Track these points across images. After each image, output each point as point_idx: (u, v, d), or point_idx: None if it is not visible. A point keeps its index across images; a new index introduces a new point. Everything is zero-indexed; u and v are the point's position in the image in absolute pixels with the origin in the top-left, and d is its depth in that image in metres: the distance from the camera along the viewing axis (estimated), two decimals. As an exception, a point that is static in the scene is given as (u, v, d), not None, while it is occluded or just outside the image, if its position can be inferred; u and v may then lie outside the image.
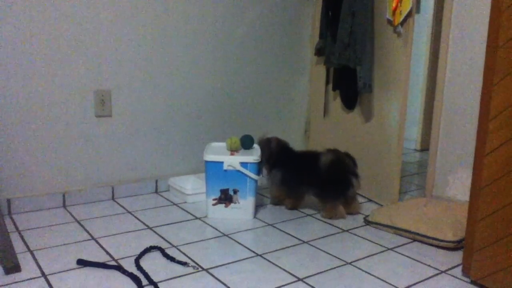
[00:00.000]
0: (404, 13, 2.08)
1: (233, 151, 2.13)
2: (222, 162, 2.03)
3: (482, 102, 1.48)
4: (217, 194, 2.07)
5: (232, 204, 2.08)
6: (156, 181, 2.43)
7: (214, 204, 2.08)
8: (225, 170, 2.03)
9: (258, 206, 2.23)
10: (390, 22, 2.19)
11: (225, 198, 2.07)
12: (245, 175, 2.04)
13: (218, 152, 2.09)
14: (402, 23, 2.12)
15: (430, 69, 3.56)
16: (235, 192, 2.07)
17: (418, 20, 3.45)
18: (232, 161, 2.03)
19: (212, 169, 2.04)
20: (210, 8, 2.44)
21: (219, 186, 2.06)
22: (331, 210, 2.12)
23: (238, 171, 2.03)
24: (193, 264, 1.64)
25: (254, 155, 2.06)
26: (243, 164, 2.03)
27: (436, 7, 3.47)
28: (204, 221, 2.05)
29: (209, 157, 2.03)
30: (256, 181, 2.06)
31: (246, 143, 2.17)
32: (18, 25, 1.97)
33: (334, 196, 2.12)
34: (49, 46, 2.05)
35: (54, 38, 2.05)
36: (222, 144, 2.23)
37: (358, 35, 2.23)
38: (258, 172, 2.07)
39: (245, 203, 2.08)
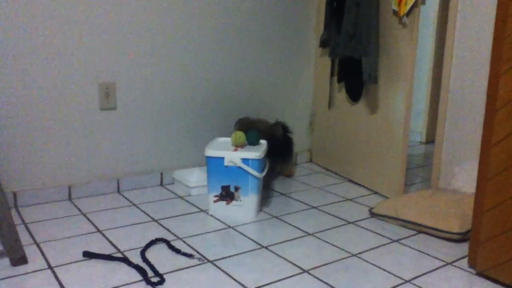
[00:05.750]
0: (410, 3, 2.06)
1: (237, 146, 2.06)
2: (223, 158, 1.97)
3: (489, 93, 1.47)
4: (219, 191, 2.01)
5: (233, 202, 2.01)
6: (161, 174, 2.43)
7: (215, 201, 2.03)
8: (226, 166, 1.98)
9: (263, 198, 2.23)
10: (395, 12, 2.17)
11: (226, 195, 2.01)
12: (247, 172, 1.97)
13: (222, 148, 2.03)
14: (407, 14, 2.10)
15: (436, 60, 3.53)
16: (236, 189, 2.00)
17: (423, 10, 3.42)
18: (233, 157, 1.96)
19: (213, 165, 1.98)
20: (214, 1, 2.43)
21: (220, 183, 2.00)
22: (291, 167, 2.66)
23: (240, 167, 1.98)
24: (198, 256, 1.64)
25: (257, 152, 1.98)
26: (245, 161, 1.95)
27: (442, -3, 3.43)
28: (208, 214, 2.05)
29: (210, 152, 1.97)
30: (258, 178, 1.99)
31: (252, 138, 2.08)
32: (20, 17, 1.96)
33: (291, 156, 2.63)
34: (53, 39, 2.05)
35: (57, 30, 2.05)
36: (228, 139, 2.17)
37: (363, 26, 2.21)
38: (261, 169, 2.00)
39: (247, 201, 2.00)
